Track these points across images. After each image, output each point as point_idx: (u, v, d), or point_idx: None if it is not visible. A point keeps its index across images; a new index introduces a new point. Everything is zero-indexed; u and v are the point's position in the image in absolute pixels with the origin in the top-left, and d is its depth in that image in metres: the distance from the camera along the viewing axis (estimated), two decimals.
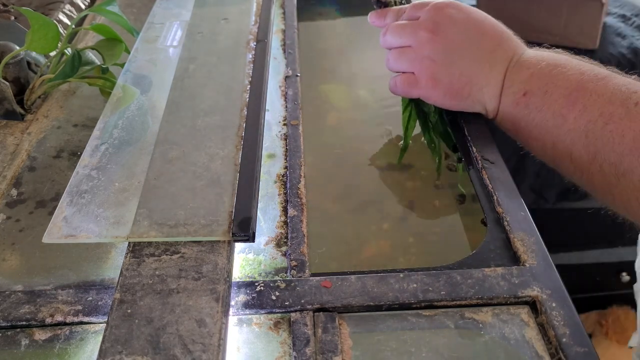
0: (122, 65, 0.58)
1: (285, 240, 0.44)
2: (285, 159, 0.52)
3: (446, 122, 0.57)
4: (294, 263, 0.42)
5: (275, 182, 0.50)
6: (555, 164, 0.52)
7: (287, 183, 0.49)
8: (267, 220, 0.46)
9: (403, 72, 0.55)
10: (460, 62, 0.52)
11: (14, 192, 0.49)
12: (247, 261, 0.43)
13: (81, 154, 0.47)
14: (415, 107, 0.58)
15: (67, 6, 0.71)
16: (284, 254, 0.43)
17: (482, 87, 0.52)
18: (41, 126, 0.57)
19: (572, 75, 0.48)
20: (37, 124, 0.57)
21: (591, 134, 0.46)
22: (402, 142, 0.58)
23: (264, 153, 0.52)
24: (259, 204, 0.43)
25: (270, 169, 0.51)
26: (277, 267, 0.43)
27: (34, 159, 0.53)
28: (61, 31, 0.64)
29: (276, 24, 0.76)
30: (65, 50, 0.57)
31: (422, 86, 0.53)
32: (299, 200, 0.47)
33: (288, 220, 0.46)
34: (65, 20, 0.69)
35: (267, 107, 0.56)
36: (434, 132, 0.57)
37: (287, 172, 0.50)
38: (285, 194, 0.49)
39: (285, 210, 0.47)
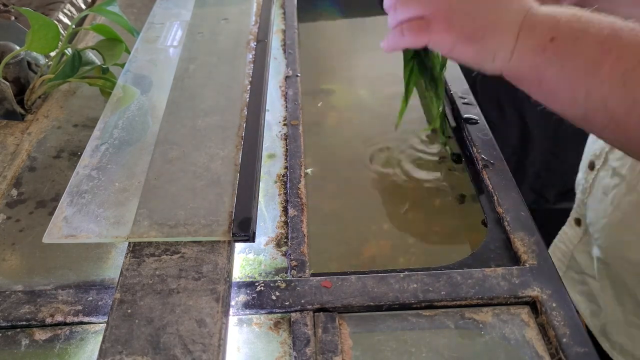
0: (122, 65, 0.58)
1: (285, 240, 0.44)
2: (285, 159, 0.52)
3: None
4: (294, 263, 0.42)
5: (276, 182, 0.50)
6: (586, 117, 0.48)
7: (287, 183, 0.49)
8: (267, 220, 0.47)
9: (408, 20, 0.52)
10: (475, 3, 0.49)
11: (14, 192, 0.49)
12: (247, 261, 0.43)
13: (81, 154, 0.47)
14: (418, 65, 0.56)
15: (67, 6, 0.71)
16: (284, 254, 0.43)
17: (496, 30, 0.49)
18: (41, 126, 0.57)
19: (603, 23, 0.46)
20: (37, 124, 0.57)
21: (629, 82, 0.43)
22: (402, 99, 0.57)
23: (264, 153, 0.52)
24: (259, 204, 0.43)
25: (271, 169, 0.51)
26: (277, 267, 0.43)
27: (34, 159, 0.53)
28: (61, 31, 0.64)
29: (276, 24, 0.76)
30: (66, 51, 0.57)
31: (433, 30, 0.50)
32: (299, 200, 0.47)
33: (288, 220, 0.46)
34: (66, 20, 0.69)
35: (267, 107, 0.56)
36: (437, 84, 0.55)
37: (287, 172, 0.50)
38: (285, 194, 0.49)
39: (285, 210, 0.47)
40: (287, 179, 0.50)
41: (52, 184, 0.50)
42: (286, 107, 0.59)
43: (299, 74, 0.64)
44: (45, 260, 0.44)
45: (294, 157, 0.52)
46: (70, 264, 0.43)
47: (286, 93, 0.61)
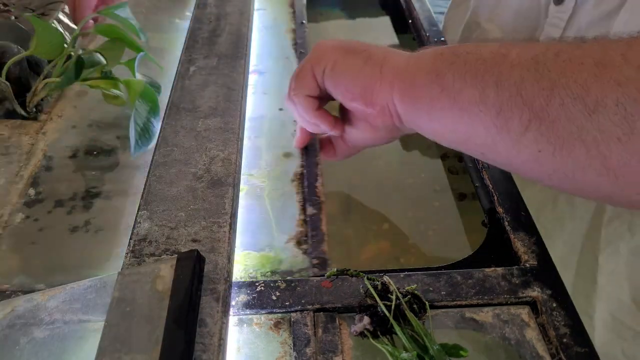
0: (127, 65, 0.58)
1: (305, 238, 0.45)
2: (302, 158, 0.52)
3: None
4: (315, 261, 0.42)
5: (293, 180, 0.50)
6: (502, 126, 0.36)
7: (305, 181, 0.49)
8: (286, 218, 0.46)
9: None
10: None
11: (31, 191, 0.50)
12: (267, 259, 0.44)
13: (97, 153, 0.47)
14: None
15: (67, 6, 0.71)
16: (305, 252, 0.43)
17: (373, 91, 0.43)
18: (55, 126, 0.57)
19: (487, 45, 0.38)
20: (52, 123, 0.57)
21: (542, 66, 0.34)
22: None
23: (281, 152, 0.52)
24: (278, 203, 0.43)
25: (287, 168, 0.51)
26: (297, 265, 0.43)
27: (50, 159, 0.53)
28: (61, 30, 0.64)
29: (286, 23, 0.76)
30: (71, 52, 0.57)
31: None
32: (316, 198, 0.47)
33: (307, 219, 0.46)
34: (66, 20, 0.68)
35: (282, 107, 0.56)
36: None
37: (305, 171, 0.50)
38: (303, 192, 0.49)
39: (303, 209, 0.47)
40: (304, 177, 0.50)
41: (69, 183, 0.51)
42: None
43: None
44: (66, 259, 0.44)
45: (310, 156, 0.52)
46: (91, 262, 0.44)
47: None
